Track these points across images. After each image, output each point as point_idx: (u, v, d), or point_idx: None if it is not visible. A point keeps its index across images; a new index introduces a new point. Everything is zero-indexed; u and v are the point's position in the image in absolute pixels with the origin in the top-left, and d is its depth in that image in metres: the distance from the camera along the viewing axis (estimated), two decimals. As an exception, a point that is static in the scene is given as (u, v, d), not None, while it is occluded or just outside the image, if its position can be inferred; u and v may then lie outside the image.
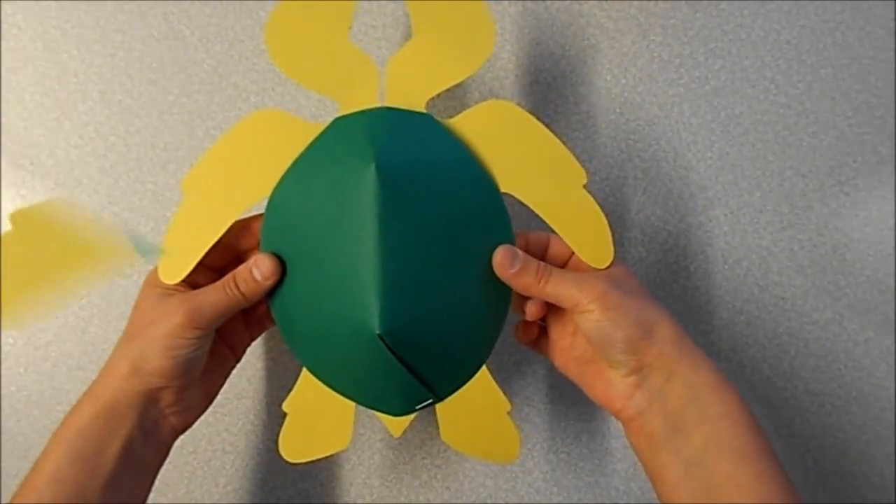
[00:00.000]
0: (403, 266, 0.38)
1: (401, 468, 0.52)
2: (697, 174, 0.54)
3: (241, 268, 0.40)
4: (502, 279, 0.40)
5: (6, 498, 0.50)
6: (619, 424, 0.40)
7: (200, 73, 0.52)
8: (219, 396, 0.50)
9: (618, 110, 0.53)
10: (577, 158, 0.41)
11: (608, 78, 0.53)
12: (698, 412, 0.36)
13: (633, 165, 0.54)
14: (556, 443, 0.53)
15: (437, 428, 0.42)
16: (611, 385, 0.39)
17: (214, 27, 0.52)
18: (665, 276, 0.53)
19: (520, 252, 0.40)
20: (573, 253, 0.41)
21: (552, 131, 0.41)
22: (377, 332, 0.37)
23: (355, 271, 0.38)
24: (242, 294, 0.39)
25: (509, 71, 0.53)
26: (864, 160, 0.54)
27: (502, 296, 0.41)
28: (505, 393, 0.42)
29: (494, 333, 0.42)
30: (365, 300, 0.38)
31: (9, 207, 0.51)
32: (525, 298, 0.42)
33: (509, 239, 0.41)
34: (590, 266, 0.41)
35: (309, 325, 0.40)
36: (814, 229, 0.54)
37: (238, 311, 0.40)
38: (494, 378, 0.42)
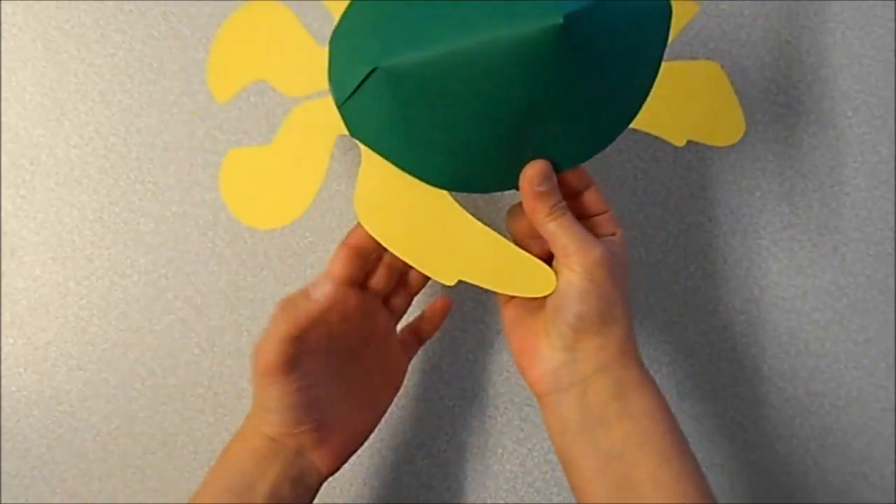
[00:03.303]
0: None
1: (401, 468, 0.52)
2: (697, 174, 0.54)
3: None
4: (520, 191, 0.38)
5: (6, 498, 0.50)
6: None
7: (200, 73, 0.52)
8: (219, 396, 0.50)
9: (618, 110, 0.53)
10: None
11: (608, 78, 0.53)
12: (621, 407, 0.36)
13: (633, 165, 0.54)
14: (556, 443, 0.53)
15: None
16: (537, 354, 0.38)
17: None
18: (665, 276, 0.53)
19: (553, 177, 0.38)
20: (597, 214, 0.40)
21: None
22: (559, 20, 0.32)
23: None
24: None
25: (509, 71, 0.53)
26: (864, 160, 0.54)
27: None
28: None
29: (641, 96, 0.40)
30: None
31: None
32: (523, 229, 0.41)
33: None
34: (603, 232, 0.40)
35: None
36: (814, 229, 0.54)
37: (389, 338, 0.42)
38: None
